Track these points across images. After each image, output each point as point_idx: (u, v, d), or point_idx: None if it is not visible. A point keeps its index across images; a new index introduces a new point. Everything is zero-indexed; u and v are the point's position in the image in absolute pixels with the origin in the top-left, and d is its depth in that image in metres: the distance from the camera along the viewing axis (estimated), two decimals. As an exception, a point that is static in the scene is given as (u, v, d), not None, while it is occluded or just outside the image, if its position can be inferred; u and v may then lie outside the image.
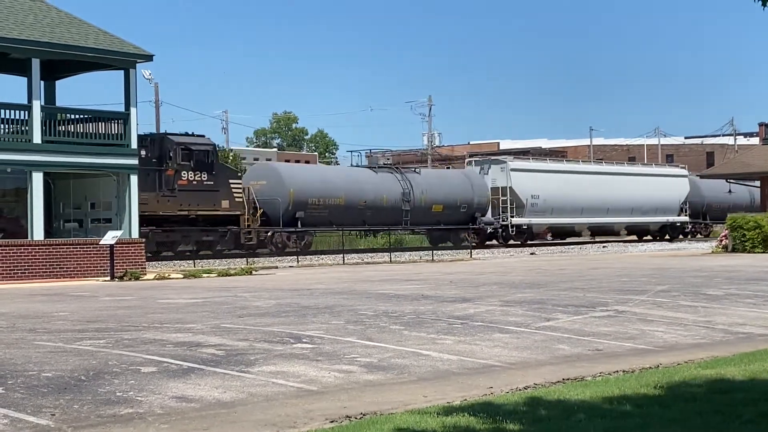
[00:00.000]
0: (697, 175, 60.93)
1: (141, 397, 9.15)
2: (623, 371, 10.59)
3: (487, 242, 53.45)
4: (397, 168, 52.16)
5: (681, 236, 64.90)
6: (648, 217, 62.68)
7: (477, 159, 58.97)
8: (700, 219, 67.01)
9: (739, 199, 64.87)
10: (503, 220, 53.44)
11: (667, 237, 63.82)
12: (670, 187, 63.87)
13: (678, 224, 64.94)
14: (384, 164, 53.48)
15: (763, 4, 7.23)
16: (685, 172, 67.00)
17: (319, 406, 8.86)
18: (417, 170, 52.96)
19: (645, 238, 64.81)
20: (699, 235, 66.33)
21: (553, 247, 53.38)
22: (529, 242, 55.56)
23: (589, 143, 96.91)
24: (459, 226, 51.63)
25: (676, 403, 8.34)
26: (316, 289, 21.66)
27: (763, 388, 8.94)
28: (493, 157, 59.28)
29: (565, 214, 56.81)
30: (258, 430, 8.02)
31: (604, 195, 58.63)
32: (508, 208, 53.52)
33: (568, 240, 61.07)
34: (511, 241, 54.49)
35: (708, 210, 67.60)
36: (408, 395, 9.34)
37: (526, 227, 54.71)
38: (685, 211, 64.85)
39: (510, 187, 53.48)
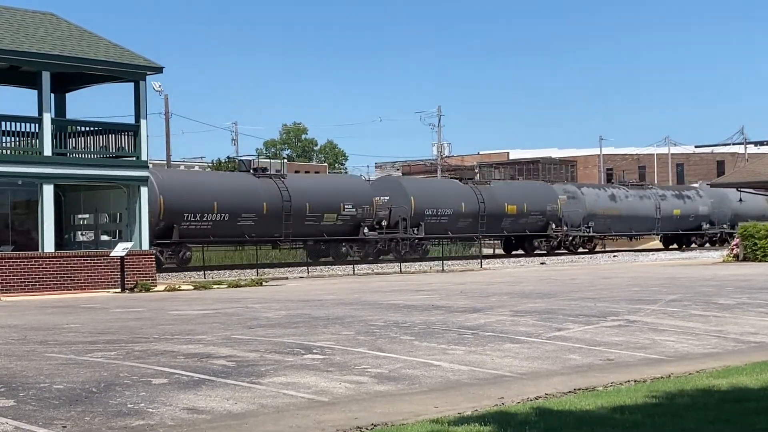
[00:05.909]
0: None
1: (152, 408, 9.15)
2: (635, 381, 10.56)
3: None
4: (646, 186, 67.18)
5: None
6: None
7: None
8: None
9: None
10: None
11: None
12: None
13: None
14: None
15: None
16: None
17: (330, 417, 8.85)
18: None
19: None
20: None
21: (563, 257, 53.32)
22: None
23: (599, 153, 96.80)
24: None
25: (688, 412, 8.32)
26: (327, 300, 21.65)
27: (775, 398, 8.90)
28: None
29: None
30: (269, 442, 8.01)
31: None
32: None
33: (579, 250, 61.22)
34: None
35: None
36: (419, 406, 9.32)
37: None
38: None
39: None
